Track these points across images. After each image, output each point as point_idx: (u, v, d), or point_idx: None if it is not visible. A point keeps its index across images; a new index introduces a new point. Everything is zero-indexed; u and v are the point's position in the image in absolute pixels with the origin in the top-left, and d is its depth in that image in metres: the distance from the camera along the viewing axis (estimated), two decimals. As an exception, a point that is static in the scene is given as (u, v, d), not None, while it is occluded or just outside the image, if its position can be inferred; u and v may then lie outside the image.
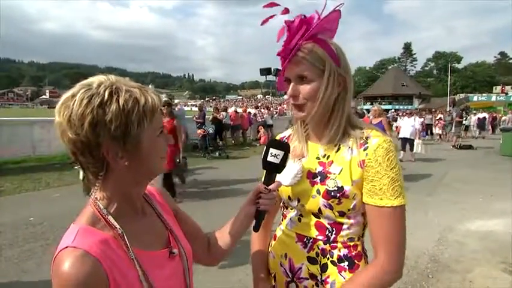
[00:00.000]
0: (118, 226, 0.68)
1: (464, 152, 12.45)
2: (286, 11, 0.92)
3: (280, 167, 0.93)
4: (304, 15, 0.92)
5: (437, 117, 18.47)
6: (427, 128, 17.61)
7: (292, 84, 0.95)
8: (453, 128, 14.33)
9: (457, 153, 12.20)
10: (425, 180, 7.12)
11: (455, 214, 4.93)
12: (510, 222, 4.47)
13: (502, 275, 3.15)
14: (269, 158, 0.93)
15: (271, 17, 0.94)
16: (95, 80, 0.67)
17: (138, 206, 0.77)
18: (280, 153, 0.92)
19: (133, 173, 0.70)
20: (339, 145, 0.97)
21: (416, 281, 3.03)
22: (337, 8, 0.92)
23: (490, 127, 23.35)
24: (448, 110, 21.14)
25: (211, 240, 0.98)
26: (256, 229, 0.96)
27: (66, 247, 0.62)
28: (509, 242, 3.83)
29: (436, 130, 17.94)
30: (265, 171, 0.96)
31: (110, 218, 0.68)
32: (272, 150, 0.93)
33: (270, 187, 0.93)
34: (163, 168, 0.76)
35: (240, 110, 15.38)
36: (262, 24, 0.97)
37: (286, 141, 1.05)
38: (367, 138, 0.95)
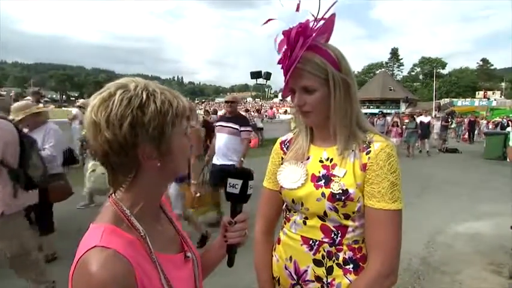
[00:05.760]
0: (141, 228, 0.67)
1: (450, 156, 12.74)
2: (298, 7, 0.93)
3: (242, 196, 0.86)
4: (300, 25, 0.91)
5: (392, 122, 12.07)
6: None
7: (297, 94, 0.96)
8: (438, 132, 13.80)
9: (443, 157, 12.47)
10: (413, 183, 7.22)
11: (443, 216, 5.02)
12: (496, 224, 4.58)
13: (490, 276, 3.22)
14: (228, 189, 0.87)
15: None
16: (126, 81, 0.67)
17: (156, 209, 0.78)
18: (239, 182, 0.85)
19: (162, 173, 0.71)
20: (343, 148, 0.97)
21: (408, 283, 3.06)
22: (332, 13, 0.92)
23: (466, 134, 18.42)
24: (434, 114, 20.05)
25: None
26: (229, 265, 0.90)
27: (94, 246, 0.60)
28: (497, 243, 3.92)
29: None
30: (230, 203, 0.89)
31: (133, 219, 0.67)
32: (230, 181, 0.87)
33: (236, 219, 0.86)
34: (185, 169, 0.78)
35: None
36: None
37: (248, 168, 0.95)
38: (369, 142, 0.96)
